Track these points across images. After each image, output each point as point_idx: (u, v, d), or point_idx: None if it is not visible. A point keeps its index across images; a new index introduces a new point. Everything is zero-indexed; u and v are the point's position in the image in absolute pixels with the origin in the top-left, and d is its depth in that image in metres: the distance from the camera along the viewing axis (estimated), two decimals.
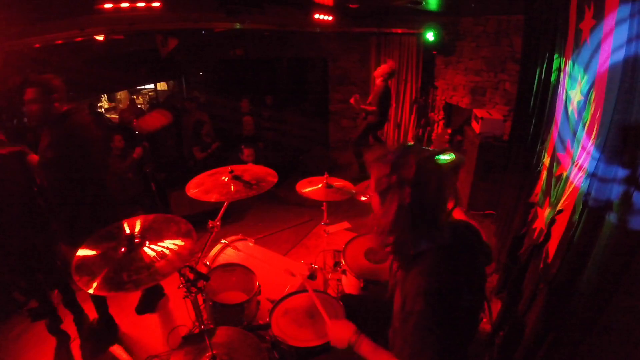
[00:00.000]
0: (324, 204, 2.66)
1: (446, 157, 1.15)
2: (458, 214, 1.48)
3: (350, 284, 2.20)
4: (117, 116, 6.49)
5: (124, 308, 2.79)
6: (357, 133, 5.05)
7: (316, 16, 4.50)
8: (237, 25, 4.17)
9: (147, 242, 1.43)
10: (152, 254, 1.38)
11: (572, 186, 1.73)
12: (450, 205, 1.44)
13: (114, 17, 3.13)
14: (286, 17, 4.54)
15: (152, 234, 1.48)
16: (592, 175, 1.47)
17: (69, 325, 2.61)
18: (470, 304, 1.13)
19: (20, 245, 2.36)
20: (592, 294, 1.40)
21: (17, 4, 2.58)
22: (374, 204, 1.20)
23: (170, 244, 1.43)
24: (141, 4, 3.16)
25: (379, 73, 4.75)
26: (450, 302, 1.07)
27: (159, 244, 1.43)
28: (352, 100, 4.76)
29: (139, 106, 7.03)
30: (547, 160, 2.31)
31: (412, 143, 1.15)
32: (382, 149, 1.17)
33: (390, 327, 1.35)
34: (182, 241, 1.45)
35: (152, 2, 3.21)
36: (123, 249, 1.40)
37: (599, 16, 1.60)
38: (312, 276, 2.25)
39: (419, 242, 1.13)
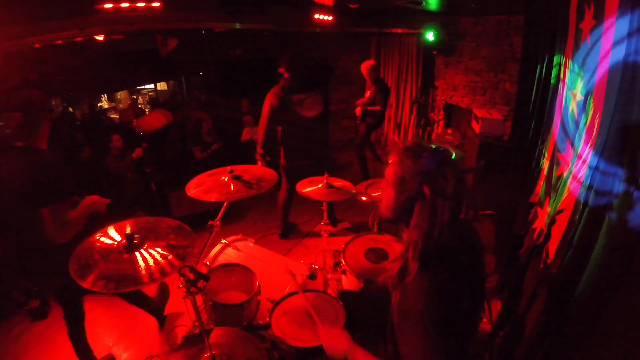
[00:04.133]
0: (324, 204, 2.66)
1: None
2: None
3: (350, 284, 2.19)
4: (118, 116, 6.50)
5: (122, 309, 2.79)
6: (359, 137, 4.97)
7: (316, 16, 4.49)
8: (237, 25, 4.17)
9: (146, 245, 1.42)
10: (148, 257, 1.37)
11: (572, 186, 1.73)
12: None
13: (114, 17, 3.13)
14: (286, 17, 4.54)
15: (152, 237, 1.47)
16: (592, 176, 1.47)
17: None
18: (470, 306, 1.13)
19: None
20: (592, 294, 1.40)
21: (17, 4, 2.58)
22: (387, 195, 1.19)
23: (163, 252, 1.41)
24: (141, 4, 3.16)
25: (370, 73, 4.59)
26: (451, 302, 1.06)
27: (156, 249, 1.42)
28: (358, 103, 4.73)
29: (139, 106, 7.03)
30: (547, 160, 2.31)
31: (438, 146, 1.12)
32: (414, 143, 1.16)
33: (389, 319, 1.35)
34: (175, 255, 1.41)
35: (152, 2, 3.21)
36: (121, 247, 1.39)
37: (599, 16, 1.60)
38: (312, 276, 2.25)
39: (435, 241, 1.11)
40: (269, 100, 3.30)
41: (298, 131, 3.46)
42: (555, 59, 2.39)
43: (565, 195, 1.80)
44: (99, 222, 1.59)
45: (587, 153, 1.59)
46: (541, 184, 2.34)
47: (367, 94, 4.69)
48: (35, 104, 1.70)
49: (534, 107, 2.74)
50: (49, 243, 1.66)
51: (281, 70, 3.40)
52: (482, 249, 1.25)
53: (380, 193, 1.21)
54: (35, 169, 1.62)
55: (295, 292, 1.97)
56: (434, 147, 1.15)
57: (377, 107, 4.61)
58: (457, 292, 1.08)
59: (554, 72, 2.43)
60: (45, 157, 1.69)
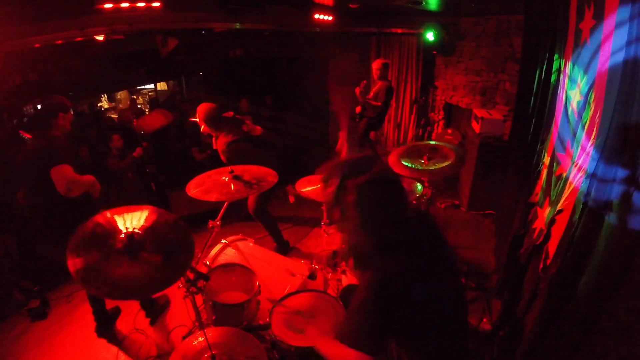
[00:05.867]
0: (324, 203, 2.66)
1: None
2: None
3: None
4: (117, 116, 6.49)
5: (123, 308, 2.79)
6: (358, 136, 4.98)
7: (316, 16, 4.49)
8: (237, 25, 4.17)
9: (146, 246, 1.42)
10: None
11: (572, 186, 1.73)
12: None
13: (114, 17, 3.13)
14: (286, 17, 4.54)
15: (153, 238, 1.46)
16: (592, 176, 1.47)
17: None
18: (428, 297, 1.15)
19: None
20: (592, 294, 1.40)
21: (17, 4, 2.58)
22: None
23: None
24: (141, 4, 3.16)
25: (380, 70, 4.66)
26: (395, 293, 1.11)
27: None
28: (357, 91, 4.71)
29: (139, 106, 7.03)
30: (547, 160, 2.31)
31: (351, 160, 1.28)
32: (329, 167, 1.28)
33: None
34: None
35: (152, 2, 3.21)
36: (121, 246, 1.39)
37: (599, 16, 1.60)
38: (312, 276, 2.25)
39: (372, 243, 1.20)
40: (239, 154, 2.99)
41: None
42: (555, 59, 2.39)
43: (565, 195, 1.80)
44: (93, 207, 2.16)
45: (586, 154, 1.59)
46: (541, 184, 2.34)
47: (372, 91, 4.70)
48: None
49: (534, 107, 2.74)
50: (60, 195, 2.21)
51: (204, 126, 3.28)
52: (440, 240, 1.30)
53: None
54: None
55: (295, 292, 1.97)
56: (345, 162, 1.26)
57: (378, 103, 4.61)
58: (401, 285, 1.12)
59: (554, 72, 2.43)
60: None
